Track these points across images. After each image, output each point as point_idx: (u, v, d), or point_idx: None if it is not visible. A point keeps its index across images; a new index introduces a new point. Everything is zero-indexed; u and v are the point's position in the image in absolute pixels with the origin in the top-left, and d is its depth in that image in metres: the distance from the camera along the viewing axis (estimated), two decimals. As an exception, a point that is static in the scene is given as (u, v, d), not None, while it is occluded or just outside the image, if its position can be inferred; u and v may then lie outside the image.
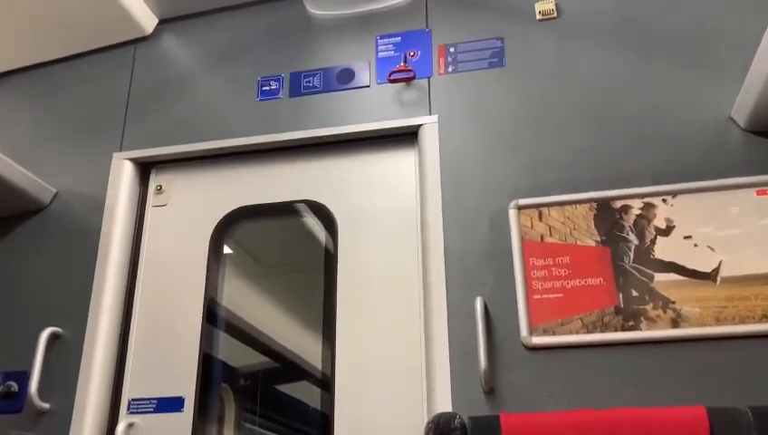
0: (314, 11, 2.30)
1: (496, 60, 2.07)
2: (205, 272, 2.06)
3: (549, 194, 1.85)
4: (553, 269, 1.77)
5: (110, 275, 2.06)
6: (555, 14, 2.07)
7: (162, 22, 2.40)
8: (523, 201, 1.85)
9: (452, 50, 2.12)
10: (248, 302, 2.07)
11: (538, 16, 2.09)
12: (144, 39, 2.38)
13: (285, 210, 2.13)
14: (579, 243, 1.78)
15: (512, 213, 1.84)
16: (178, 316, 2.03)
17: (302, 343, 1.97)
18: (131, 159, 2.20)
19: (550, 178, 1.87)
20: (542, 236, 1.80)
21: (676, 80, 1.92)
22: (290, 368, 1.98)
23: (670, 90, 1.91)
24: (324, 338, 1.94)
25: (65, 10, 2.27)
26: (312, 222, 2.11)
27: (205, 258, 2.08)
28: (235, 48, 2.32)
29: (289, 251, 2.13)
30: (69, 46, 2.38)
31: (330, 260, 2.01)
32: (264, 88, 2.21)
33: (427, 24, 2.18)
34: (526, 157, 1.91)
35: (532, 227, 1.82)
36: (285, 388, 1.99)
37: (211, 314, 2.03)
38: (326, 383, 1.89)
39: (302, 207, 2.12)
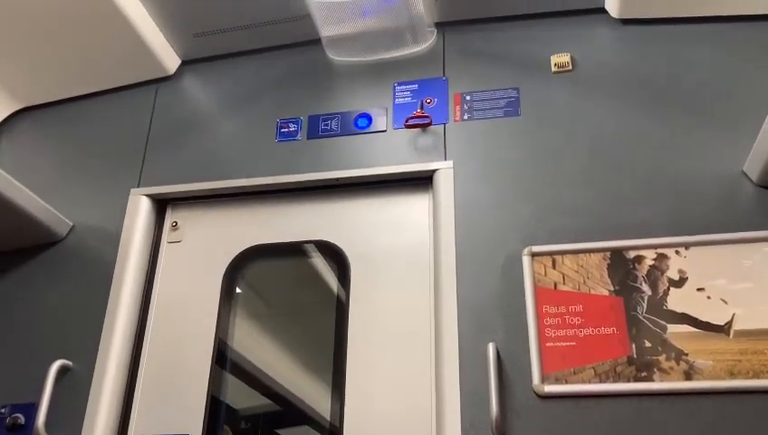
0: (334, 57, 2.32)
1: (512, 109, 2.08)
2: (216, 311, 2.05)
3: (563, 242, 1.83)
4: (566, 317, 1.75)
5: (123, 309, 2.05)
6: (570, 67, 2.09)
7: (185, 63, 2.44)
8: (536, 248, 1.84)
9: (468, 98, 2.13)
10: (256, 344, 2.04)
11: (553, 68, 2.10)
12: (166, 79, 2.41)
13: (298, 250, 2.12)
14: (592, 292, 1.77)
15: (525, 260, 1.83)
16: (188, 354, 2.02)
17: (309, 387, 1.95)
18: (148, 195, 2.21)
19: (564, 225, 1.86)
20: (555, 284, 1.79)
21: (688, 133, 1.93)
22: (295, 412, 1.94)
23: (683, 143, 1.92)
24: (334, 381, 1.91)
25: (90, 47, 2.30)
26: (324, 264, 2.10)
27: (217, 297, 2.07)
28: (255, 90, 2.34)
29: (300, 293, 2.11)
30: (92, 83, 2.42)
31: (341, 302, 2.00)
32: (282, 130, 2.23)
33: (444, 73, 2.20)
34: (540, 204, 1.91)
35: (545, 274, 1.81)
36: (289, 432, 1.95)
37: (221, 354, 2.01)
38: (334, 427, 1.86)
39: (314, 247, 2.11)
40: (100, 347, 1.99)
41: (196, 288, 2.11)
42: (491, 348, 1.71)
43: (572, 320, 1.75)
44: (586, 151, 1.96)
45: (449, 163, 2.03)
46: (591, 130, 1.99)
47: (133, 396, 2.01)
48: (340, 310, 1.98)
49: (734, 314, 1.69)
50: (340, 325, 1.96)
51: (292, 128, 2.22)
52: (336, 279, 2.06)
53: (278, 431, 1.93)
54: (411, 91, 2.18)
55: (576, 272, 1.80)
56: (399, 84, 2.21)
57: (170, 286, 2.13)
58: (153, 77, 2.40)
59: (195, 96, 2.39)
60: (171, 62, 2.41)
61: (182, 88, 2.41)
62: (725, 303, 1.71)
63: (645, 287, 1.77)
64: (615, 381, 1.66)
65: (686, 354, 1.68)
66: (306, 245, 2.12)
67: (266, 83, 2.34)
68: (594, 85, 2.05)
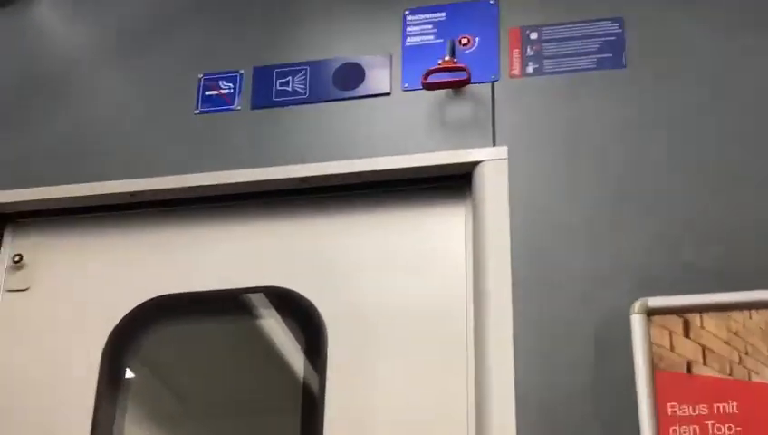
0: (299, -34, 2.35)
1: (610, 56, 2.05)
2: (91, 410, 2.02)
3: (703, 289, 1.77)
4: (710, 424, 1.69)
5: None
6: None
7: None
8: (656, 301, 1.77)
9: (533, 36, 2.11)
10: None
11: None
12: (5, 2, 2.42)
13: (235, 305, 2.15)
14: (755, 378, 1.71)
15: (636, 321, 1.76)
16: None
17: None
18: (-36, 210, 2.25)
19: (705, 260, 1.83)
20: (689, 365, 1.73)
21: None
22: None
23: None
24: None
25: None
26: (281, 328, 2.11)
27: (92, 387, 2.04)
28: (158, 22, 2.35)
29: (238, 378, 2.13)
30: None
31: (310, 394, 2.00)
32: (207, 93, 2.22)
33: None
34: (662, 221, 1.88)
35: (672, 347, 1.75)
36: None
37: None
38: None
39: (263, 299, 2.12)
40: None
41: (57, 369, 2.09)
42: (576, 479, 1.76)
43: (722, 428, 1.69)
44: (748, 124, 1.94)
45: (501, 151, 2.00)
46: (755, 86, 1.97)
47: None
48: (310, 408, 1.98)
49: None
50: (308, 433, 1.96)
51: (225, 89, 2.21)
52: (302, 354, 2.05)
53: None
54: (434, 24, 2.18)
55: (726, 343, 1.74)
56: (413, 12, 2.20)
57: (10, 367, 2.12)
58: (-18, 1, 2.43)
59: (53, 33, 2.41)
60: None
61: (30, 19, 2.43)
62: None
63: None
64: None
65: None
66: (249, 295, 2.13)
67: (178, 11, 2.35)
68: (756, 12, 2.04)
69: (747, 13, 2.05)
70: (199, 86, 2.22)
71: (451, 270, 2.00)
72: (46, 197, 2.15)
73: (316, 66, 2.19)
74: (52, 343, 2.10)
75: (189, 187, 2.11)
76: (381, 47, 2.18)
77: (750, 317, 1.74)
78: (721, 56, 2.02)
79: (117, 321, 2.08)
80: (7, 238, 2.22)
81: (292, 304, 2.04)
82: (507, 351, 1.82)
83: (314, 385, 1.98)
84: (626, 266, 1.85)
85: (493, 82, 2.07)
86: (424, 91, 2.07)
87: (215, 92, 2.20)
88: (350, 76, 2.17)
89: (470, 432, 1.85)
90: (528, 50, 2.10)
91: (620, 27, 2.06)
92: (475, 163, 2.00)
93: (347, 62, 2.18)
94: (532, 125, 2.02)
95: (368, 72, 2.16)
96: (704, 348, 1.74)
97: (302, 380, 2.02)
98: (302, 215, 2.11)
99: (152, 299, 2.09)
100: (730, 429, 1.68)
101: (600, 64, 2.04)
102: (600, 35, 2.07)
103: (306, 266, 2.07)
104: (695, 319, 1.76)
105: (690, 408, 1.70)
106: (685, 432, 1.69)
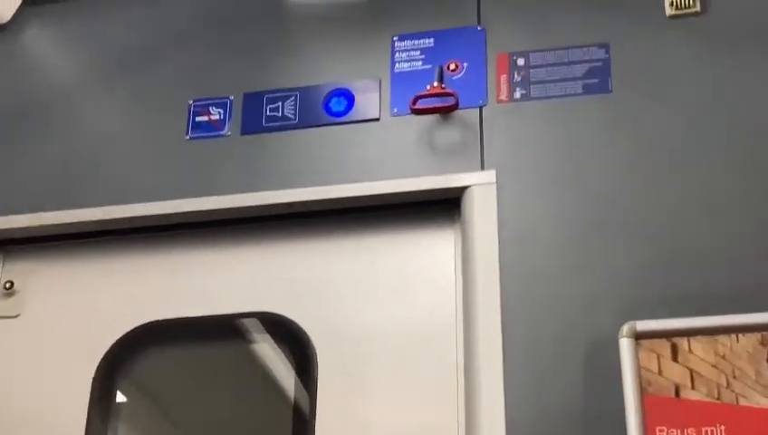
0: (290, -8, 2.37)
1: (597, 81, 2.06)
2: (83, 434, 2.02)
3: (690, 313, 1.77)
4: None
5: None
6: (698, 8, 2.06)
7: (29, 2, 2.45)
8: (644, 324, 1.77)
9: (521, 62, 2.11)
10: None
11: (669, 10, 2.08)
12: None
13: (226, 331, 2.15)
14: (743, 401, 1.71)
15: (624, 345, 1.76)
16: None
17: None
18: (-42, 234, 2.26)
19: (693, 284, 1.85)
20: (677, 389, 1.73)
21: None
22: None
23: None
24: None
25: None
26: (274, 352, 2.12)
27: (83, 412, 2.04)
28: (150, 48, 2.36)
29: (230, 403, 2.11)
30: None
31: (301, 419, 2.00)
32: (197, 118, 2.23)
33: (480, 20, 2.18)
34: (649, 244, 1.89)
35: (660, 371, 1.75)
36: None
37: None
38: None
39: (255, 324, 2.13)
40: None
41: (47, 396, 2.09)
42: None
43: (709, 453, 1.71)
44: (733, 149, 1.95)
45: (489, 175, 2.01)
46: (739, 111, 1.98)
47: None
48: (300, 431, 1.99)
49: None
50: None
51: (216, 115, 2.22)
52: (293, 378, 2.05)
53: None
54: (422, 50, 2.18)
55: (714, 367, 1.75)
56: (402, 38, 2.20)
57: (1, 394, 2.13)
58: (-27, 27, 2.45)
59: (44, 60, 2.42)
60: (4, 3, 2.42)
61: (21, 44, 2.43)
62: None
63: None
64: None
65: None
66: (240, 320, 2.14)
67: (168, 37, 2.35)
68: (740, 37, 2.04)
69: (732, 38, 2.06)
70: (189, 112, 2.22)
71: (441, 294, 2.01)
72: (38, 223, 2.15)
73: (305, 92, 2.19)
74: (43, 369, 2.09)
75: (180, 212, 2.12)
76: (370, 73, 2.18)
77: (737, 341, 1.75)
78: (707, 82, 2.03)
79: (108, 347, 2.09)
80: (-2, 264, 2.24)
81: (282, 328, 2.05)
82: (497, 374, 1.82)
83: (305, 408, 1.98)
84: (614, 290, 1.85)
85: (481, 107, 2.07)
86: (413, 117, 2.08)
87: (205, 118, 2.21)
88: (339, 102, 2.17)
89: (459, 450, 1.88)
90: (515, 75, 2.10)
91: (607, 53, 2.07)
92: (464, 188, 2.00)
93: (336, 88, 2.18)
94: (520, 150, 2.03)
95: (357, 98, 2.16)
96: (692, 372, 1.74)
97: (292, 403, 2.02)
98: (294, 239, 2.12)
99: (144, 325, 2.09)
100: (719, 453, 1.70)
101: (587, 90, 2.04)
102: (586, 61, 2.08)
103: (296, 291, 2.08)
104: (683, 343, 1.76)
105: (679, 432, 1.70)
106: (674, 455, 1.72)
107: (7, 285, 2.17)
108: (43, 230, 2.17)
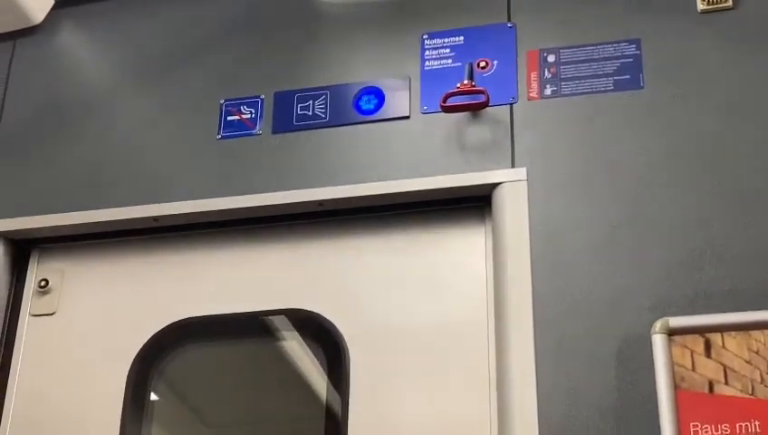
0: (320, -7, 2.35)
1: (628, 77, 2.04)
2: (118, 431, 2.03)
3: (724, 309, 1.77)
4: None
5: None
6: (729, 3, 2.04)
7: (61, 5, 2.44)
8: (677, 320, 1.77)
9: (551, 59, 2.11)
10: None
11: (700, 5, 2.06)
12: (29, 31, 2.44)
13: (256, 328, 2.16)
14: None
15: (658, 341, 1.76)
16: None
17: None
18: (-4, 235, 2.26)
19: (726, 280, 1.83)
20: (711, 384, 1.73)
21: None
22: None
23: None
24: None
25: None
26: (303, 350, 2.13)
27: (117, 408, 2.05)
28: (181, 49, 2.36)
29: (260, 400, 2.16)
30: None
31: (332, 417, 2.00)
32: (229, 118, 2.23)
33: (510, 17, 2.17)
34: (682, 240, 1.88)
35: (693, 367, 1.74)
36: None
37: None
38: None
39: (286, 321, 2.12)
40: None
41: (82, 393, 2.09)
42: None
43: (744, 448, 1.69)
44: (765, 146, 1.94)
45: (520, 172, 2.01)
46: None
47: None
48: (333, 429, 1.98)
49: None
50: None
51: (247, 114, 2.21)
52: (325, 376, 2.05)
53: None
54: (452, 48, 2.17)
55: (748, 363, 1.73)
56: (432, 36, 2.19)
57: (37, 390, 2.12)
58: (10, 29, 2.43)
59: (76, 61, 2.42)
60: (38, 4, 2.41)
61: (55, 45, 2.43)
62: None
63: None
64: None
65: None
66: (271, 318, 2.14)
67: (199, 38, 2.35)
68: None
69: (765, 34, 2.05)
70: (221, 111, 2.23)
71: (472, 291, 2.01)
72: (71, 222, 2.17)
73: (336, 90, 2.19)
74: (77, 366, 2.11)
75: (212, 211, 2.12)
76: (400, 71, 2.18)
77: (773, 334, 1.75)
78: (739, 78, 2.01)
79: (142, 344, 2.10)
80: (33, 263, 2.23)
81: (314, 325, 2.06)
82: (529, 371, 1.82)
83: (337, 406, 1.98)
84: (646, 286, 1.85)
85: (511, 104, 2.07)
86: (443, 114, 2.08)
87: (236, 117, 2.21)
88: (369, 101, 2.17)
89: (491, 443, 1.89)
90: (546, 72, 2.10)
91: (638, 49, 2.06)
92: (495, 185, 2.00)
93: (366, 87, 2.18)
94: (551, 147, 2.02)
95: (387, 96, 2.16)
96: (725, 367, 1.73)
97: (324, 401, 2.03)
98: (324, 237, 2.13)
99: (176, 322, 2.11)
100: (753, 448, 1.68)
101: (618, 86, 2.04)
102: (617, 57, 2.07)
103: (328, 288, 2.09)
104: (716, 338, 1.75)
105: (713, 427, 1.69)
106: (708, 450, 1.71)
107: (42, 284, 2.18)
108: (77, 229, 2.18)
